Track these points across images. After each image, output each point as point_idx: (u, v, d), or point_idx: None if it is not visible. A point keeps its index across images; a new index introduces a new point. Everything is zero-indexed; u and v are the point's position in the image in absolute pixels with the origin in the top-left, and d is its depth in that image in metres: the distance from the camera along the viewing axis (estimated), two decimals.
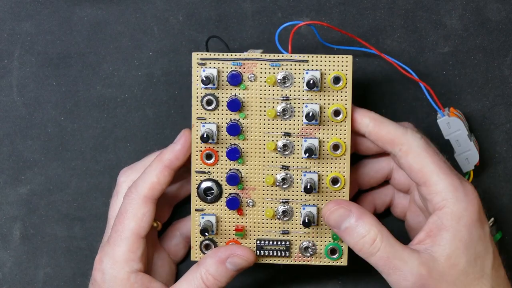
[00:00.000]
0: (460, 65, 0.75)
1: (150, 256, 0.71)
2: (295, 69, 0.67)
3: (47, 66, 0.77)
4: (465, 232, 0.63)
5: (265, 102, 0.67)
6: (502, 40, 0.75)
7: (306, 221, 0.65)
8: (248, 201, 0.67)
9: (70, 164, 0.76)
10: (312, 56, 0.67)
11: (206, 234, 0.66)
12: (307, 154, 0.65)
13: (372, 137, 0.66)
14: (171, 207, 0.73)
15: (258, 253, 0.67)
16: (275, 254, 0.67)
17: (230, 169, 0.67)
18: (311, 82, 0.65)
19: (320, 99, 0.67)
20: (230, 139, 0.67)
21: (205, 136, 0.66)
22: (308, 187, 0.65)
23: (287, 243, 0.67)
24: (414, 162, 0.64)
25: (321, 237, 0.67)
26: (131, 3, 0.77)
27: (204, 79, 0.66)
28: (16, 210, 0.76)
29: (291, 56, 0.67)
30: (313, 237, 0.67)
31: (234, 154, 0.67)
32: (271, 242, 0.67)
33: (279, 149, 0.67)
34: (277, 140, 0.67)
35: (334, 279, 0.75)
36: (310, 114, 0.65)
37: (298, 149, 0.67)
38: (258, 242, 0.67)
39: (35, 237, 0.76)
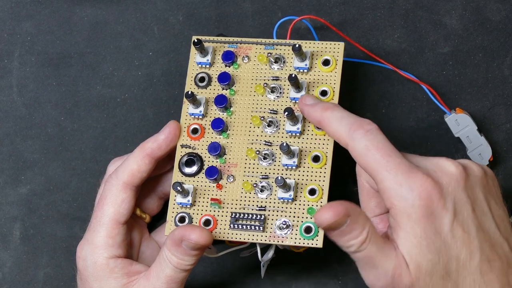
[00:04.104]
0: (460, 65, 0.75)
1: (136, 245, 0.71)
2: (289, 53, 0.69)
3: (47, 66, 0.77)
4: (419, 229, 0.60)
5: (256, 80, 0.69)
6: (502, 40, 0.75)
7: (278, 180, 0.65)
8: (229, 177, 0.68)
9: (70, 164, 0.76)
10: (306, 42, 0.69)
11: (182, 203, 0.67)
12: (286, 113, 0.65)
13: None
14: (162, 201, 0.73)
15: (231, 227, 0.67)
16: (249, 228, 0.66)
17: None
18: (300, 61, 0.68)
19: (309, 80, 0.68)
20: (218, 114, 0.69)
21: (189, 93, 0.67)
22: (285, 144, 0.65)
23: (262, 216, 0.66)
24: (359, 162, 0.62)
25: (298, 216, 0.67)
26: (131, 3, 0.77)
27: (200, 52, 0.69)
28: (16, 210, 0.76)
29: (285, 41, 0.69)
30: (289, 216, 0.66)
31: (219, 124, 0.68)
32: (246, 215, 0.67)
33: (264, 124, 0.67)
34: (263, 118, 0.67)
35: (334, 279, 0.75)
36: (293, 75, 0.66)
37: (283, 127, 0.67)
38: (233, 215, 0.67)
39: (35, 237, 0.76)
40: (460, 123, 0.72)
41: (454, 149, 0.74)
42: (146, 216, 0.71)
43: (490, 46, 0.75)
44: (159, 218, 0.74)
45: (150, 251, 0.71)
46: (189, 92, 0.67)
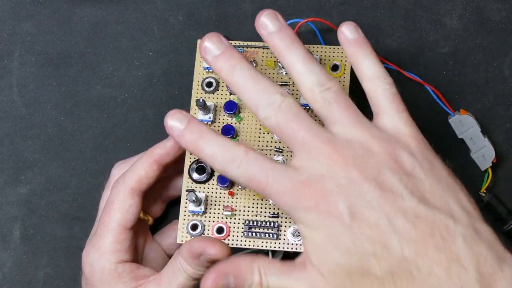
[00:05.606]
0: (460, 65, 0.75)
1: (140, 248, 0.71)
2: None
3: (47, 66, 0.77)
4: (320, 235, 0.57)
5: None
6: (502, 40, 0.75)
7: None
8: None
9: (70, 164, 0.76)
10: (314, 46, 0.68)
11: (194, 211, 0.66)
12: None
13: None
14: (164, 204, 0.73)
15: (246, 235, 0.66)
16: (264, 236, 0.66)
17: None
18: None
19: None
20: (227, 120, 0.68)
21: (201, 101, 0.66)
22: None
23: (276, 224, 0.66)
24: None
25: None
26: (131, 3, 0.77)
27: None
28: (16, 210, 0.76)
29: None
30: None
31: (229, 130, 0.67)
32: (260, 223, 0.67)
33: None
34: None
35: None
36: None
37: None
38: (246, 222, 0.67)
39: (35, 237, 0.76)
40: (464, 125, 0.72)
41: (457, 150, 0.74)
42: (148, 219, 0.71)
43: (490, 46, 0.75)
44: (160, 220, 0.74)
45: (153, 254, 0.71)
46: (201, 100, 0.67)
